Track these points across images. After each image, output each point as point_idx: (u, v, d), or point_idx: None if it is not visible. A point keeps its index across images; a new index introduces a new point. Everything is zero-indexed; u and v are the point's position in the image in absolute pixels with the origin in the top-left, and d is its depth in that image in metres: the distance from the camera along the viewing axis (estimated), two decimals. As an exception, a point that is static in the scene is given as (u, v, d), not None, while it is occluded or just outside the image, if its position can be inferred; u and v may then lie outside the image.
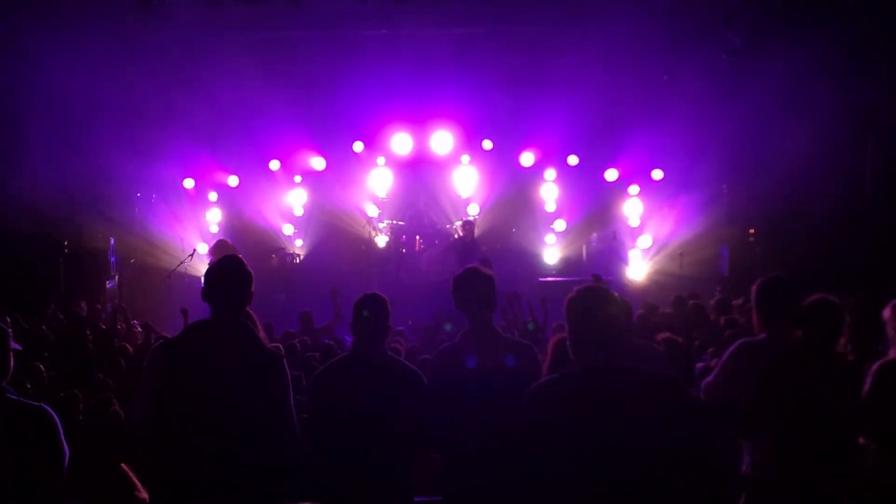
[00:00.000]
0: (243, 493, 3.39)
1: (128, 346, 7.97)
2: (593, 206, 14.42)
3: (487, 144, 14.55)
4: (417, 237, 14.51)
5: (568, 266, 14.49)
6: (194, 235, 14.15)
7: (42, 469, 3.56)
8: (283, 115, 13.27)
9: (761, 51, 11.04)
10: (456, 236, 13.74)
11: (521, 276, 13.03)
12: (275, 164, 14.66)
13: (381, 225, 14.56)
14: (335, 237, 14.72)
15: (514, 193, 14.51)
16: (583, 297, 3.00)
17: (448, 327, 8.79)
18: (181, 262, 12.37)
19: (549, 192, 14.77)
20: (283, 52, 12.86)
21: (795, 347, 3.89)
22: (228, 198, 14.77)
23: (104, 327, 8.96)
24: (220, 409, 3.38)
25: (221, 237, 12.37)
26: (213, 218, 14.67)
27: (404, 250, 14.27)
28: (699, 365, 5.70)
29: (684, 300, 8.58)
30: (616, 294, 3.17)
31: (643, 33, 11.43)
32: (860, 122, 11.39)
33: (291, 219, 15.03)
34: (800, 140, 11.04)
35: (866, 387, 3.79)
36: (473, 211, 14.59)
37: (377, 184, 14.71)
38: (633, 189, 14.37)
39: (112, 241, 12.91)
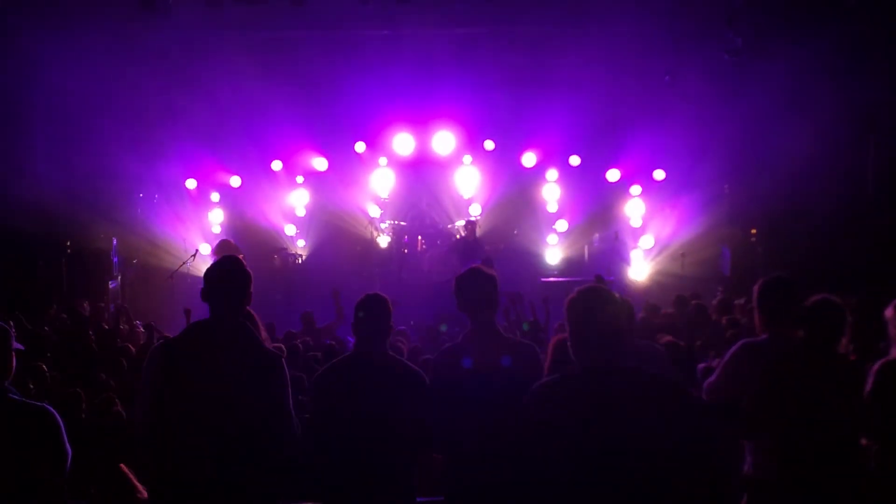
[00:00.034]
0: (243, 493, 3.39)
1: (130, 346, 7.96)
2: (595, 207, 14.43)
3: (489, 145, 14.55)
4: (419, 237, 14.52)
5: (570, 266, 14.51)
6: (197, 236, 14.18)
7: (45, 469, 3.57)
8: (285, 116, 13.28)
9: (763, 51, 11.04)
10: (458, 236, 13.74)
11: (523, 276, 13.05)
12: (277, 165, 14.68)
13: (383, 225, 14.56)
14: (337, 237, 14.72)
15: (515, 194, 14.51)
16: (584, 297, 3.00)
17: (444, 328, 8.80)
18: (184, 263, 12.36)
19: (551, 192, 14.78)
20: (284, 53, 12.86)
21: (797, 347, 3.88)
22: (231, 198, 14.80)
23: (107, 327, 8.92)
24: (220, 409, 3.38)
25: (224, 237, 12.37)
26: (216, 218, 14.70)
27: (406, 250, 14.27)
28: (701, 365, 5.68)
29: (686, 300, 8.57)
30: (617, 294, 3.16)
31: (645, 33, 11.44)
32: (862, 122, 11.37)
33: (293, 219, 15.05)
34: (801, 140, 11.02)
35: (868, 387, 3.78)
36: (475, 211, 14.59)
37: (379, 184, 14.73)
38: (635, 189, 14.37)
39: (115, 242, 12.93)
